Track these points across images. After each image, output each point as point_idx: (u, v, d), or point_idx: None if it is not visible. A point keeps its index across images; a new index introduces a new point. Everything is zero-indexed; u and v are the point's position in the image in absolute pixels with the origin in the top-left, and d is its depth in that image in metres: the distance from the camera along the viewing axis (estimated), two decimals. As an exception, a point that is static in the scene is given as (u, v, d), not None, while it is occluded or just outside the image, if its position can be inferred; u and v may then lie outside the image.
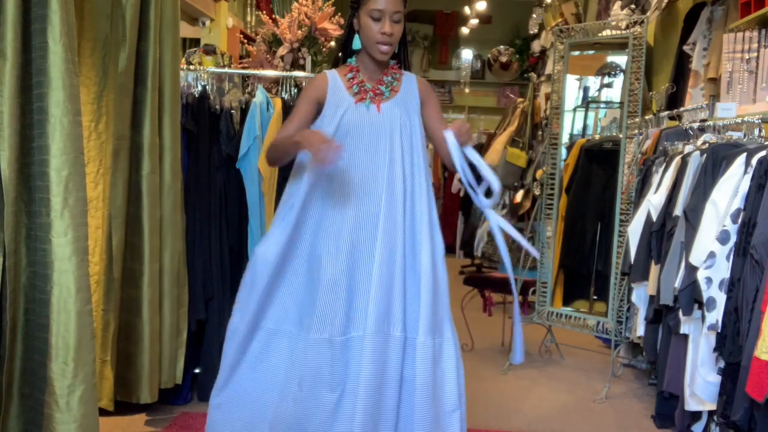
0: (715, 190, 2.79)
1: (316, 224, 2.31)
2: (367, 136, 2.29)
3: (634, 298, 3.60)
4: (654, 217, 3.34)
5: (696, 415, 3.03)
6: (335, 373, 2.20)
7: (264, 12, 5.98)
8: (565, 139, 4.54)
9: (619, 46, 4.44)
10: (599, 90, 5.01)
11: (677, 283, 2.96)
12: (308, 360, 2.22)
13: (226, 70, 3.91)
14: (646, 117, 4.19)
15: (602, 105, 5.04)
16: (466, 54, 11.03)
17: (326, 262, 2.25)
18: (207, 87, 3.45)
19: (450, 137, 2.19)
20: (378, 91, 2.34)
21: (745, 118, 3.11)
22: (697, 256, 2.76)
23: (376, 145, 2.29)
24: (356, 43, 2.35)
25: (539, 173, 4.88)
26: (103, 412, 2.89)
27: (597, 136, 4.67)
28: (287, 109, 3.38)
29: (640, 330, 3.58)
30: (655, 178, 3.53)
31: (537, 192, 4.96)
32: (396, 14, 2.25)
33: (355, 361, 2.20)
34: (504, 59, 10.61)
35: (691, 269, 2.81)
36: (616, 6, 5.03)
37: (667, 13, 4.94)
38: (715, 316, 2.67)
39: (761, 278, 2.47)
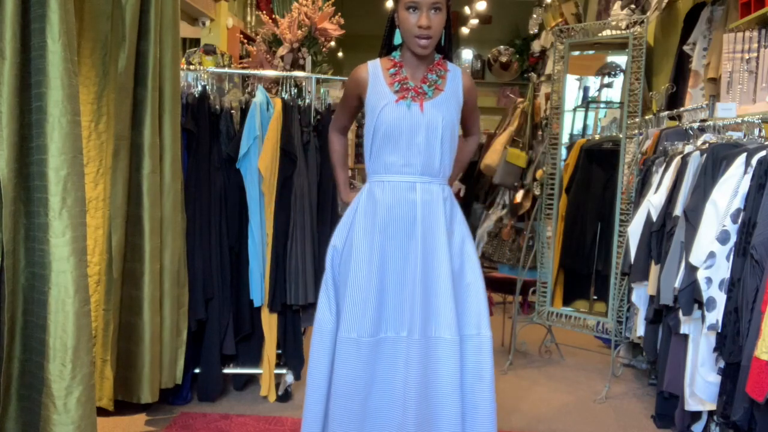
0: (715, 190, 2.79)
1: (351, 228, 2.33)
2: (406, 136, 2.24)
3: (634, 298, 3.60)
4: (654, 217, 3.34)
5: (696, 415, 3.02)
6: (361, 374, 2.20)
7: (264, 12, 5.99)
8: (565, 139, 4.53)
9: (619, 46, 4.44)
10: (599, 90, 5.01)
11: (677, 283, 2.95)
12: (337, 360, 2.23)
13: (226, 70, 3.91)
14: (646, 117, 4.19)
15: (602, 105, 5.03)
16: (466, 54, 11.03)
17: (357, 262, 2.25)
18: (207, 87, 3.44)
19: None
20: (421, 91, 2.26)
21: (745, 118, 3.10)
22: (697, 256, 2.76)
23: (414, 145, 2.25)
24: (397, 38, 2.28)
25: (539, 173, 4.87)
26: (103, 412, 2.90)
27: (597, 136, 4.67)
28: (287, 109, 3.38)
29: (640, 330, 3.58)
30: (655, 178, 3.52)
31: (537, 192, 4.95)
32: (434, 4, 2.16)
33: (389, 361, 2.21)
34: (504, 59, 10.61)
35: (691, 269, 2.80)
36: (616, 6, 5.03)
37: (667, 13, 4.93)
38: (715, 316, 2.66)
39: (761, 278, 2.47)
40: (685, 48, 4.32)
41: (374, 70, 2.31)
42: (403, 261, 2.24)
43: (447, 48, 2.36)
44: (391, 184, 2.26)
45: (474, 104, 2.44)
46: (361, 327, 2.20)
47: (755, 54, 3.50)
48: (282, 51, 3.70)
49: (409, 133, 2.24)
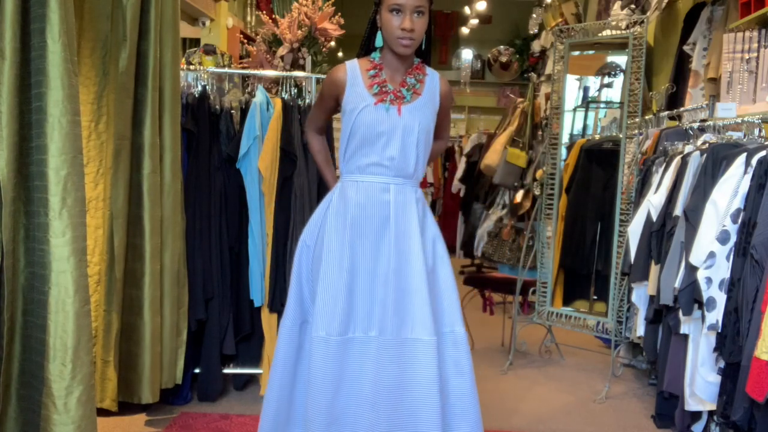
0: (715, 190, 2.79)
1: (322, 226, 2.34)
2: (383, 139, 2.25)
3: (634, 298, 3.60)
4: (654, 217, 3.34)
5: (696, 415, 3.02)
6: (330, 372, 2.20)
7: (264, 12, 5.99)
8: (565, 139, 4.53)
9: (619, 46, 4.44)
10: (599, 90, 5.01)
11: (677, 283, 2.95)
12: (310, 358, 2.23)
13: (226, 70, 3.91)
14: (646, 117, 4.19)
15: (602, 105, 5.03)
16: (466, 54, 11.04)
17: (328, 261, 2.25)
18: (207, 87, 3.44)
19: None
20: (399, 94, 2.28)
21: (745, 118, 3.10)
22: (697, 256, 2.76)
23: (390, 147, 2.26)
24: (378, 41, 2.29)
25: (539, 173, 4.87)
26: (104, 412, 2.90)
27: (597, 136, 4.67)
28: (287, 109, 3.38)
29: (640, 330, 3.58)
30: (655, 178, 3.52)
31: (537, 192, 4.95)
32: (418, 8, 2.18)
33: (358, 361, 2.20)
34: (504, 59, 10.62)
35: (691, 269, 2.80)
36: (616, 6, 5.03)
37: (667, 13, 4.93)
38: (715, 316, 2.66)
39: (761, 278, 2.47)
40: (685, 48, 4.32)
41: (353, 72, 2.31)
42: (374, 261, 2.24)
43: (427, 52, 2.38)
44: (364, 184, 2.27)
45: (448, 110, 2.47)
46: (330, 326, 2.19)
47: (755, 54, 3.50)
48: (282, 51, 3.70)
49: (387, 136, 2.25)
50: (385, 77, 2.29)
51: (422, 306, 2.21)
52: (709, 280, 2.69)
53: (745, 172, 2.69)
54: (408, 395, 2.18)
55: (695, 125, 3.48)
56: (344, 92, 2.30)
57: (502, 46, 10.62)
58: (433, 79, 2.36)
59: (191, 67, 3.59)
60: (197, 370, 3.39)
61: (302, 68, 3.70)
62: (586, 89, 5.08)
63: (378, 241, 2.25)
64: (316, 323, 2.21)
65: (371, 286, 2.23)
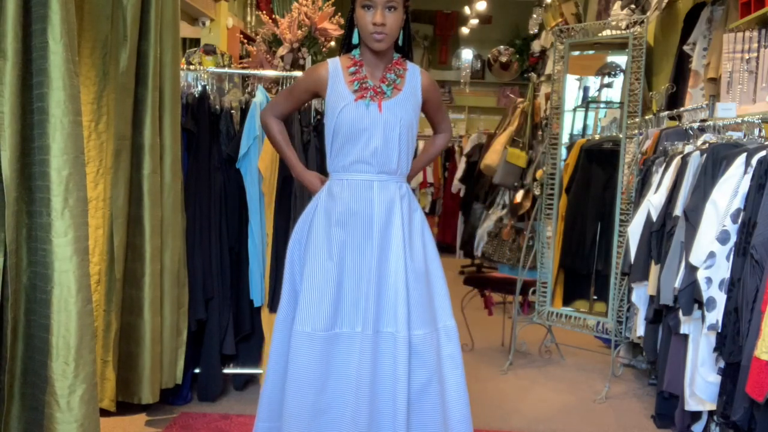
0: (715, 190, 2.79)
1: (311, 223, 2.36)
2: (364, 136, 2.27)
3: (634, 298, 3.60)
4: (654, 217, 3.35)
5: (696, 415, 3.03)
6: (314, 368, 2.21)
7: (264, 12, 5.98)
8: (565, 139, 4.53)
9: (619, 46, 4.44)
10: (599, 90, 5.01)
11: (677, 283, 2.96)
12: (291, 353, 2.24)
13: (226, 70, 3.91)
14: (646, 117, 4.19)
15: (602, 105, 5.03)
16: (466, 54, 11.04)
17: (314, 258, 2.27)
18: (207, 87, 3.45)
19: None
20: (379, 90, 2.29)
21: (745, 118, 3.11)
22: (697, 256, 2.76)
23: (371, 144, 2.27)
24: (355, 38, 2.32)
25: (539, 173, 4.87)
26: (104, 413, 2.90)
27: (597, 136, 4.67)
28: (287, 109, 3.38)
29: (640, 330, 3.58)
30: (655, 178, 3.53)
31: (537, 192, 4.96)
32: (389, 3, 2.20)
33: (344, 357, 2.22)
34: (504, 59, 10.62)
35: (691, 269, 2.81)
36: (616, 6, 5.03)
37: (667, 13, 4.94)
38: (715, 316, 2.67)
39: (761, 278, 2.47)
40: (685, 48, 4.32)
41: (335, 69, 2.33)
42: (360, 258, 2.26)
43: (406, 47, 2.39)
44: (349, 182, 2.30)
45: (437, 102, 2.47)
46: (316, 321, 2.21)
47: (755, 54, 3.50)
48: (282, 51, 3.70)
49: (368, 132, 2.27)
50: (365, 74, 2.31)
51: (398, 303, 2.23)
52: (709, 280, 2.70)
53: (745, 172, 2.69)
54: (378, 388, 2.21)
55: (695, 125, 3.49)
56: (326, 90, 2.33)
57: (502, 46, 10.62)
58: (413, 73, 2.37)
59: (191, 67, 3.59)
60: (197, 370, 3.39)
61: (302, 68, 3.70)
62: (586, 89, 5.08)
63: (364, 237, 2.27)
64: (301, 319, 2.23)
65: (357, 282, 2.25)
